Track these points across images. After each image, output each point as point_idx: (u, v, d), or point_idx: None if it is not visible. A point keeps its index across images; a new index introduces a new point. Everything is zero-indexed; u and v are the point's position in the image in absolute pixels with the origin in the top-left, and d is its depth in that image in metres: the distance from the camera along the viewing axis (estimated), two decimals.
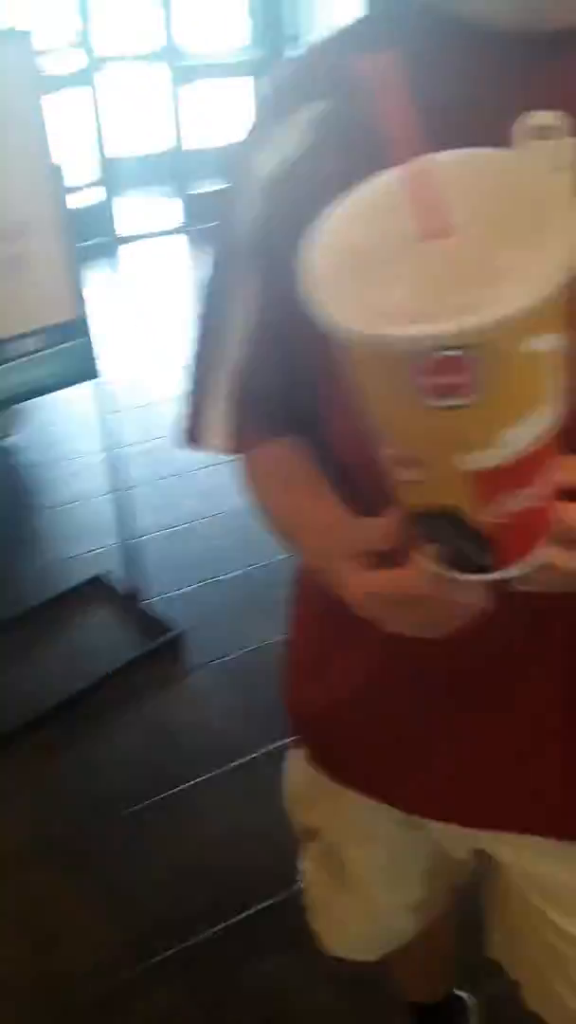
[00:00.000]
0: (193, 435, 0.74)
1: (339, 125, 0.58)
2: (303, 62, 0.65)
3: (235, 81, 6.07)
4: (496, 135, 0.49)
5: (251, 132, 0.65)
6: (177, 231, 5.86)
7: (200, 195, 5.76)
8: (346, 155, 0.52)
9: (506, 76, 0.54)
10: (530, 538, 0.45)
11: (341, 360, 0.41)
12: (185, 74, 5.73)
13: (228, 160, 0.67)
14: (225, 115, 5.91)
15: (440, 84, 0.52)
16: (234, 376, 0.70)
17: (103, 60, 5.30)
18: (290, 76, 0.65)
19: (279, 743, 1.44)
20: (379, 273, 0.40)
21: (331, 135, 0.58)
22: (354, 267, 0.40)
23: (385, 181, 0.41)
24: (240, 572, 2.48)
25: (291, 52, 5.90)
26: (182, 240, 5.79)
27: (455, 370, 0.37)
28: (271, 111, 0.63)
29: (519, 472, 0.41)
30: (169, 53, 5.60)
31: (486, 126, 0.49)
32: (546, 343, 0.38)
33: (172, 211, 5.93)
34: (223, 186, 0.67)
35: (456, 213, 0.39)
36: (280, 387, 0.69)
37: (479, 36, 0.54)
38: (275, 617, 0.92)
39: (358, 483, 0.61)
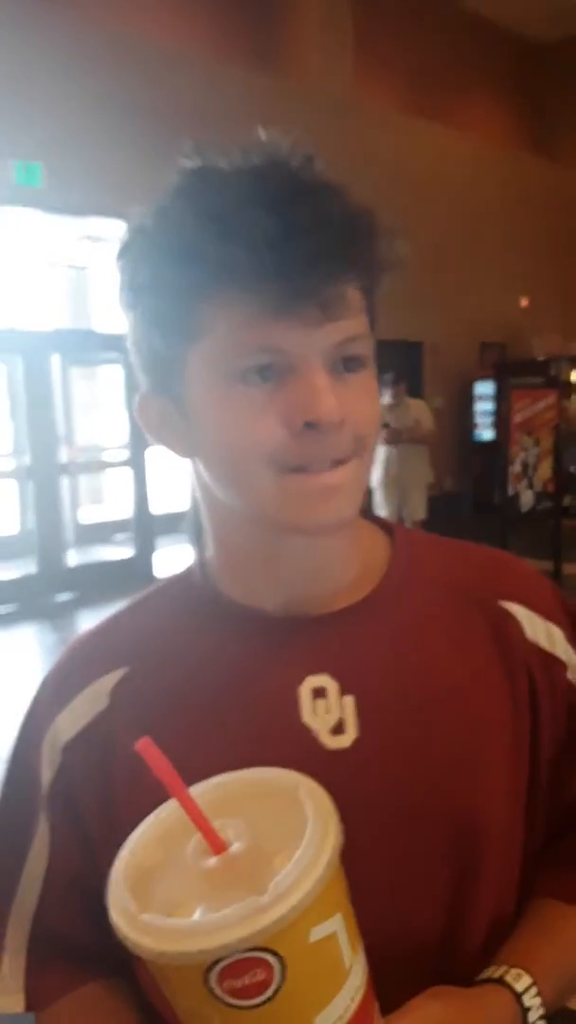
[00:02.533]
0: None
1: (134, 689, 0.67)
2: (105, 631, 0.72)
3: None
4: (285, 696, 0.65)
5: (53, 693, 0.69)
6: None
7: None
8: (136, 716, 0.64)
9: (288, 649, 0.66)
10: None
11: (150, 977, 0.47)
12: None
13: (27, 717, 0.71)
14: None
15: (237, 655, 0.67)
16: (26, 924, 0.68)
17: None
18: (93, 645, 0.71)
19: None
20: (171, 890, 0.47)
21: (125, 698, 0.66)
22: (149, 887, 0.47)
23: (170, 810, 0.51)
24: None
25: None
26: None
27: (251, 970, 0.42)
28: (77, 675, 0.69)
29: None
30: None
31: (275, 689, 0.65)
32: (328, 927, 0.44)
33: None
34: (17, 740, 0.71)
35: (230, 829, 0.47)
36: (81, 928, 0.67)
37: (264, 618, 0.67)
38: None
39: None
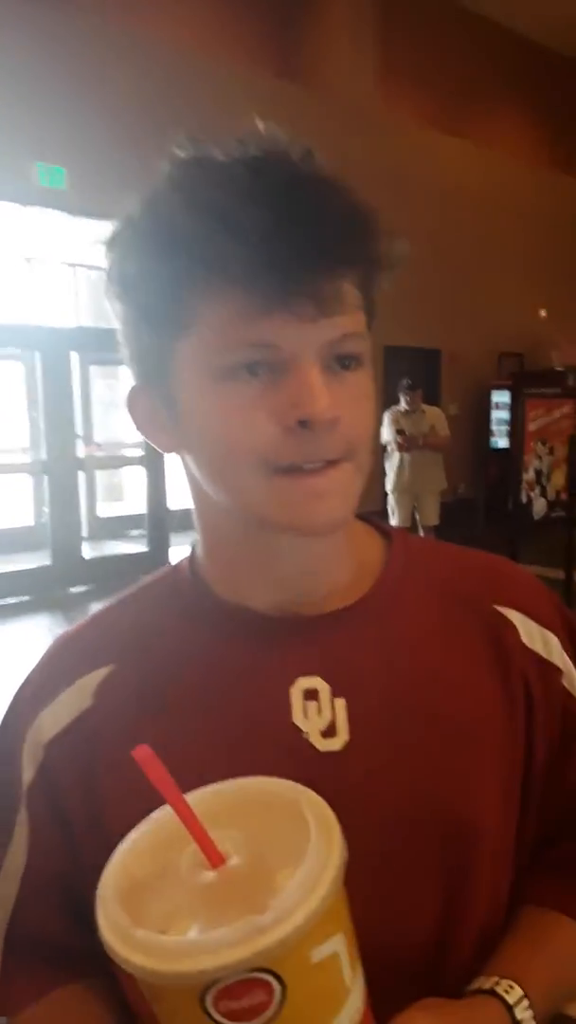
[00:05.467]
0: None
1: (119, 687, 0.66)
2: (90, 628, 0.71)
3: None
4: (275, 696, 0.64)
5: (37, 689, 0.68)
6: None
7: None
8: (122, 715, 0.64)
9: (279, 649, 0.65)
10: None
11: (140, 998, 0.44)
12: None
13: (9, 713, 0.69)
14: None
15: (226, 654, 0.65)
16: (1, 925, 0.67)
17: None
18: (77, 641, 0.70)
19: None
20: (165, 904, 0.44)
21: (111, 696, 0.65)
22: (141, 900, 0.45)
23: (161, 818, 0.49)
24: None
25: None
26: None
27: (250, 992, 0.40)
28: (61, 673, 0.68)
29: None
30: None
31: (265, 690, 0.64)
32: (330, 947, 0.43)
33: None
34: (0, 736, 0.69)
35: (226, 839, 0.45)
36: (59, 928, 0.67)
37: (254, 617, 0.66)
38: None
39: None
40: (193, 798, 0.47)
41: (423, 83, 9.66)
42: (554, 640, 0.70)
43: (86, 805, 0.63)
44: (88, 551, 7.07)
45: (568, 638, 0.71)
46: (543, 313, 10.38)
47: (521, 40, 10.45)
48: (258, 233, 0.52)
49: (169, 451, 0.64)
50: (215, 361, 0.56)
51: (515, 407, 9.42)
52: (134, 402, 0.64)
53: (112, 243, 0.60)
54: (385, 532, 0.73)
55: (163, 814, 0.48)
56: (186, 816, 0.45)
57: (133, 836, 0.49)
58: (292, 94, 7.73)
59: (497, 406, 9.52)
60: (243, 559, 0.65)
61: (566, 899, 0.69)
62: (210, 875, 0.44)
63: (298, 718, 0.63)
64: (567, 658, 0.70)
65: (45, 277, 8.09)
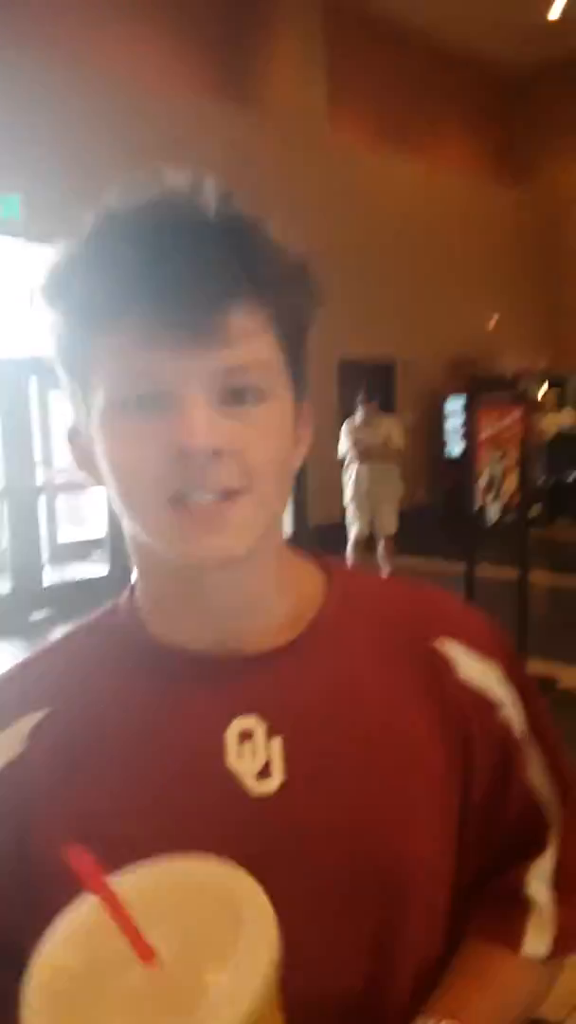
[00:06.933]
0: None
1: (52, 730, 0.65)
2: (26, 670, 0.70)
3: None
4: (210, 739, 0.62)
5: None
6: None
7: None
8: (54, 761, 0.63)
9: (215, 691, 0.64)
10: None
11: None
12: None
13: None
14: None
15: (161, 697, 0.64)
16: None
17: None
18: (11, 685, 0.69)
19: None
20: (93, 1001, 0.42)
21: (43, 742, 0.64)
22: (70, 998, 0.43)
23: (92, 904, 0.46)
24: None
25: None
26: None
27: None
28: None
29: None
30: None
31: (201, 733, 0.62)
32: None
33: None
34: None
35: (156, 932, 0.44)
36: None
37: (190, 658, 0.65)
38: None
39: None
40: (124, 883, 0.47)
41: (371, 104, 9.83)
42: (493, 670, 0.70)
43: (15, 852, 0.63)
44: (49, 576, 7.08)
45: (508, 667, 0.71)
46: (492, 322, 10.58)
47: (467, 60, 10.69)
48: (126, 268, 0.54)
49: (102, 487, 0.65)
50: (111, 396, 0.58)
51: (469, 415, 9.57)
52: (70, 441, 0.66)
53: (40, 292, 0.62)
54: (325, 566, 0.73)
55: (93, 901, 0.47)
56: (117, 913, 0.44)
57: (63, 923, 0.48)
58: (244, 120, 7.85)
59: (451, 414, 9.67)
60: (173, 596, 0.65)
61: (507, 931, 0.69)
62: (139, 973, 0.43)
63: (232, 760, 0.62)
64: (507, 688, 0.70)
65: (2, 305, 8.12)
